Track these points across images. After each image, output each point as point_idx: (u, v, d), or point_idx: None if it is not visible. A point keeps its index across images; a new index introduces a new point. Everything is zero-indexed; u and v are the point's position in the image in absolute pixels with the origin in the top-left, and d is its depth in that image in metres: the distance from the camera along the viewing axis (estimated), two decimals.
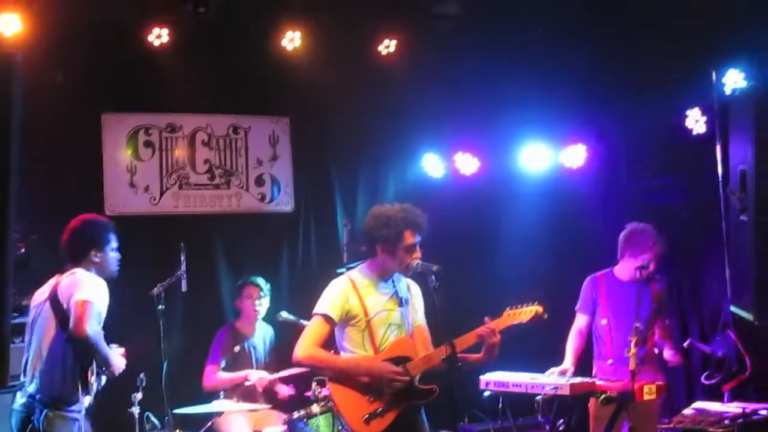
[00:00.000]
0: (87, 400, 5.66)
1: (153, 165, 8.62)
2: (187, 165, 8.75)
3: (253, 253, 8.88)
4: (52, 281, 5.81)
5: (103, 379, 5.81)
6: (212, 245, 8.77)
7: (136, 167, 8.54)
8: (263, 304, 7.96)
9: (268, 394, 7.82)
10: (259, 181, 9.04)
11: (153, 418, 6.79)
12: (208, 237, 8.75)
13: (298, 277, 9.04)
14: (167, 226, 8.44)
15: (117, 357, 5.81)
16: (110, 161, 8.43)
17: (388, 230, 5.58)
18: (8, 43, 7.12)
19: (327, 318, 5.60)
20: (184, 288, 6.80)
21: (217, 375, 7.72)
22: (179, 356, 7.87)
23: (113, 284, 7.71)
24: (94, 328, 5.44)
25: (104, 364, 5.67)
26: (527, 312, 5.79)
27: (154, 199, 8.58)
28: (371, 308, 5.64)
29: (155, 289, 6.48)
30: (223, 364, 7.80)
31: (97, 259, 5.85)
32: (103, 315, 5.66)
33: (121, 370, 5.83)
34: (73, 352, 5.51)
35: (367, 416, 5.46)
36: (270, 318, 7.99)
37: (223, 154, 8.91)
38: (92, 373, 5.60)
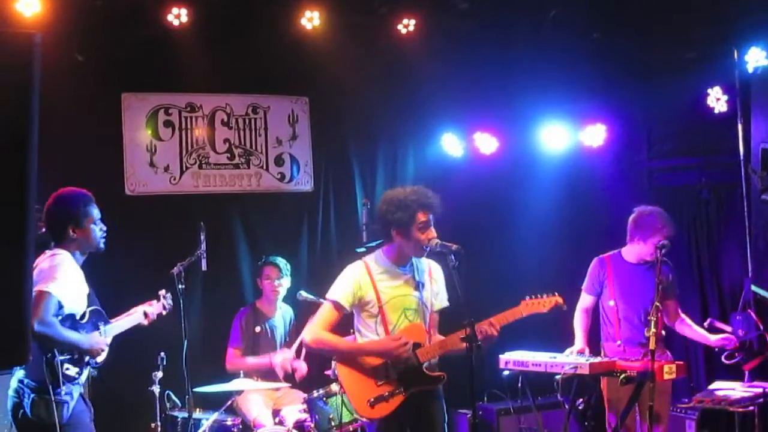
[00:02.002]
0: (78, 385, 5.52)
1: (173, 145, 8.64)
2: (206, 144, 8.76)
3: (272, 232, 8.91)
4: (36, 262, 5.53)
5: (99, 358, 5.66)
6: (232, 225, 8.79)
7: (156, 147, 8.56)
8: (283, 285, 7.97)
9: (288, 373, 7.86)
10: (279, 161, 9.05)
11: (173, 397, 6.83)
12: (228, 216, 8.77)
13: (318, 257, 9.07)
14: (187, 206, 8.47)
15: (92, 339, 5.61)
16: (130, 141, 8.45)
17: (402, 213, 5.59)
18: (28, 23, 7.14)
19: (336, 305, 5.69)
20: (204, 267, 6.80)
21: (240, 359, 7.74)
22: (199, 335, 7.92)
23: (133, 263, 7.79)
24: (43, 321, 5.20)
25: (74, 350, 5.48)
26: (547, 302, 5.77)
27: (174, 179, 8.60)
28: (384, 294, 5.68)
29: (175, 268, 6.48)
30: (243, 345, 7.82)
31: (75, 235, 5.61)
32: (70, 301, 5.46)
33: (100, 352, 5.67)
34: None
35: (372, 399, 5.54)
36: (290, 298, 8.01)
37: (242, 133, 8.92)
38: (61, 362, 5.44)
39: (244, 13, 8.37)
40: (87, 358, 5.59)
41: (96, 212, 5.77)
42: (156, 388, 6.52)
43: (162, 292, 6.35)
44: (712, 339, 7.26)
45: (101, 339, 5.72)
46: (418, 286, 5.78)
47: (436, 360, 5.76)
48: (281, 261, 8.01)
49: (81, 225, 5.65)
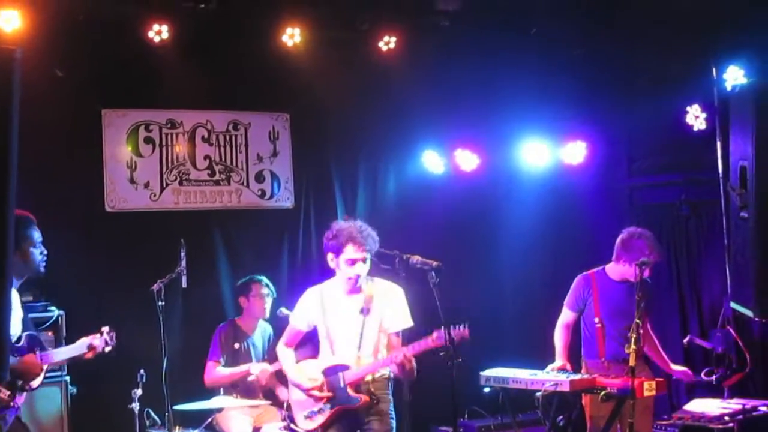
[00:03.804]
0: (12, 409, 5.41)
1: (153, 161, 8.61)
2: (187, 161, 8.74)
3: (253, 249, 8.88)
4: None
5: (34, 383, 5.55)
6: (212, 241, 8.75)
7: (137, 163, 8.53)
8: (269, 304, 7.94)
9: (268, 391, 7.83)
10: (260, 177, 9.04)
11: (153, 414, 6.80)
12: (209, 233, 8.73)
13: (298, 273, 9.02)
14: (167, 222, 8.44)
15: (23, 363, 5.51)
16: (110, 157, 8.41)
17: (334, 241, 6.09)
18: (8, 38, 7.11)
19: (293, 327, 6.46)
20: (184, 284, 6.80)
21: (218, 370, 7.70)
22: (179, 352, 7.87)
23: (113, 280, 7.74)
24: None
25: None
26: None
27: (155, 195, 8.58)
28: (331, 318, 6.23)
29: (155, 285, 6.47)
30: (223, 360, 7.78)
31: (15, 259, 5.25)
32: None
33: (35, 376, 5.56)
34: None
35: (307, 413, 6.25)
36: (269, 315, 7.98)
37: (223, 150, 8.91)
38: None
39: (225, 29, 8.37)
40: (20, 382, 5.48)
41: (37, 235, 5.68)
42: (135, 406, 6.48)
43: (105, 329, 6.15)
44: (673, 368, 7.29)
45: (36, 363, 5.61)
46: (364, 311, 6.15)
47: (384, 382, 6.20)
48: (268, 281, 7.98)
49: (19, 247, 5.51)
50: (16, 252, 5.47)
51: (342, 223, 6.21)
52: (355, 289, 6.18)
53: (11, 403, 5.42)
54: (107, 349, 6.15)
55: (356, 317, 6.16)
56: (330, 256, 6.14)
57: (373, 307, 6.17)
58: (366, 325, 6.15)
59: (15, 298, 5.50)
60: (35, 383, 5.60)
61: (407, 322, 6.23)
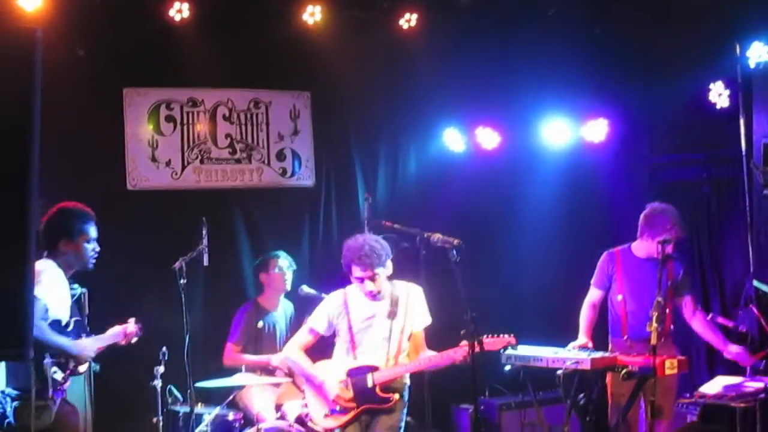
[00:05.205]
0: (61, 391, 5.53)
1: (174, 139, 8.63)
2: (208, 139, 8.76)
3: (274, 227, 8.90)
4: None
5: (82, 367, 5.68)
6: (233, 220, 8.78)
7: (158, 142, 8.55)
8: (290, 276, 7.97)
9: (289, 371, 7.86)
10: (280, 156, 9.05)
11: (175, 392, 6.84)
12: (230, 211, 8.76)
13: (319, 252, 9.06)
14: (189, 201, 8.46)
15: (79, 346, 5.64)
16: (132, 136, 8.44)
17: (343, 260, 6.23)
18: (29, 18, 7.13)
19: (312, 330, 6.43)
20: (205, 262, 6.81)
21: (238, 355, 7.71)
22: (201, 330, 7.91)
23: (135, 259, 7.78)
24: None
25: (61, 354, 5.48)
26: (500, 342, 6.18)
27: (176, 174, 8.60)
28: (356, 322, 6.30)
29: (177, 263, 6.49)
30: (243, 342, 7.79)
31: (65, 249, 5.68)
32: (55, 307, 5.48)
33: (87, 358, 5.70)
34: None
35: (327, 412, 6.24)
36: (290, 293, 8.00)
37: (244, 128, 8.92)
38: (51, 365, 5.41)
39: (246, 7, 8.38)
40: (72, 365, 5.58)
41: (93, 231, 5.83)
42: (158, 383, 6.52)
43: (132, 320, 6.28)
44: (731, 349, 7.06)
45: (90, 346, 5.75)
46: (390, 315, 6.26)
47: (403, 383, 6.35)
48: (287, 255, 8.01)
49: (73, 240, 5.72)
50: (70, 244, 5.70)
51: (351, 241, 6.24)
52: (377, 296, 6.25)
53: (62, 386, 5.53)
54: (134, 340, 6.29)
55: (384, 321, 6.27)
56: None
57: (399, 310, 6.28)
58: (393, 328, 6.26)
59: (64, 283, 5.67)
60: (83, 368, 5.74)
61: (428, 319, 6.40)
